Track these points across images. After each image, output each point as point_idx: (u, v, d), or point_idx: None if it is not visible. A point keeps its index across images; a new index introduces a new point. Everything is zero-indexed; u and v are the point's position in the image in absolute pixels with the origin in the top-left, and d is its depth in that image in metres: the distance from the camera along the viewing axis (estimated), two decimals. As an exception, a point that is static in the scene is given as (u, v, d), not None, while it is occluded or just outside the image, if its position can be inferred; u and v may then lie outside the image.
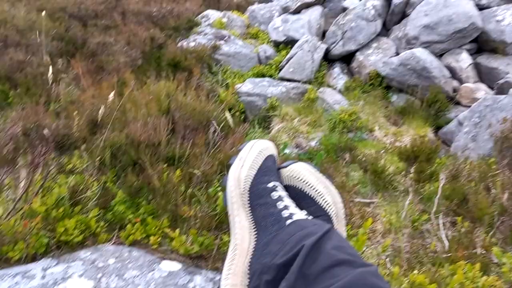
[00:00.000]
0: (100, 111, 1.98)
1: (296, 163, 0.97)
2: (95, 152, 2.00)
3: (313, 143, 5.00)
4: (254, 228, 0.87)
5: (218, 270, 1.66)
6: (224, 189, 0.92)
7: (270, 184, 0.90)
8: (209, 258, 1.71)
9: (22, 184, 1.88)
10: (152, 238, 1.76)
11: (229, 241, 1.71)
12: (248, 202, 0.89)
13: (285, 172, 0.96)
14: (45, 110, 2.58)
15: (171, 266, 1.68)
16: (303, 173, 0.93)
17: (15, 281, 1.54)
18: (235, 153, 0.95)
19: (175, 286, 1.57)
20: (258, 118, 5.69)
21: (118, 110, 2.56)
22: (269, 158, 0.96)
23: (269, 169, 0.94)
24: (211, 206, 1.86)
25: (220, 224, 1.80)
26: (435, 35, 6.34)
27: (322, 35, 7.37)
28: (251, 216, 0.88)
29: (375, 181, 3.35)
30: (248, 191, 0.89)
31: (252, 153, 0.94)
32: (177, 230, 1.75)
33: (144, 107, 2.96)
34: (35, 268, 1.61)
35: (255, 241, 0.84)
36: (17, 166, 1.86)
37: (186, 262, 1.70)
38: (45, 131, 1.67)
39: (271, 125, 5.49)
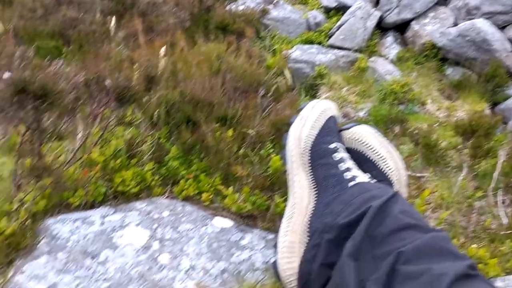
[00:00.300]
0: (161, 63, 1.99)
1: (359, 125, 0.94)
2: (150, 108, 2.04)
3: (361, 114, 4.88)
4: (314, 188, 0.85)
5: (270, 230, 1.67)
6: (283, 148, 0.91)
7: (332, 145, 0.87)
8: (260, 218, 1.73)
9: (80, 134, 1.95)
10: (204, 195, 1.79)
11: (281, 202, 1.72)
12: (309, 162, 0.87)
13: (347, 134, 0.92)
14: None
15: (223, 222, 1.71)
16: (366, 136, 0.90)
17: (75, 226, 1.63)
18: (295, 113, 0.93)
19: (228, 242, 1.60)
20: (305, 86, 5.59)
21: (170, 69, 2.59)
22: (331, 119, 0.93)
23: (331, 130, 0.91)
24: (263, 167, 1.87)
25: (272, 185, 1.80)
26: (498, 5, 5.91)
27: (376, 2, 7.04)
28: (311, 176, 0.86)
29: (427, 155, 3.24)
30: (309, 150, 0.87)
31: (314, 113, 0.91)
32: (230, 188, 1.78)
33: (195, 67, 2.98)
34: (94, 215, 1.68)
35: (315, 201, 0.83)
36: (77, 116, 1.93)
37: (237, 221, 1.73)
38: (107, 82, 1.71)
39: (318, 94, 5.38)
